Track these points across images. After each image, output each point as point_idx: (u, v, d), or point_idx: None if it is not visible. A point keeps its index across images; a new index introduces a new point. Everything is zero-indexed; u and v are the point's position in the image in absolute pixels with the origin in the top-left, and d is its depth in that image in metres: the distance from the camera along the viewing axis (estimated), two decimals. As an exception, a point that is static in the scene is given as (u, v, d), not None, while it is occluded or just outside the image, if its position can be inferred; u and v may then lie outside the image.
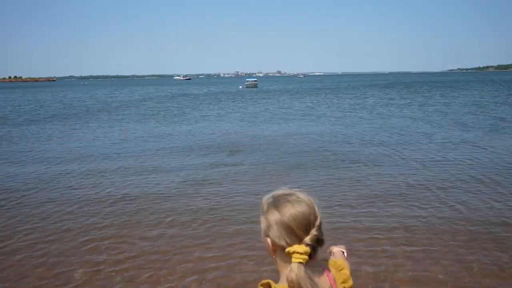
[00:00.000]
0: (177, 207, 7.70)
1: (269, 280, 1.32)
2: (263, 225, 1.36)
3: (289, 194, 1.36)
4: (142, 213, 7.40)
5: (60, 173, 10.68)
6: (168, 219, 7.04)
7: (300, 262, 1.26)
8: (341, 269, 1.44)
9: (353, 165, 10.84)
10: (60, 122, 23.89)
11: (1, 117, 27.45)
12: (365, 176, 9.63)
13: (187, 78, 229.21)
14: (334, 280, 1.40)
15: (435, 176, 9.44)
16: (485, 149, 12.51)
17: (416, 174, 9.68)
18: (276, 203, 1.34)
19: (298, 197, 1.34)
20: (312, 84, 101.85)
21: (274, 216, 1.32)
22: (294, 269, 1.26)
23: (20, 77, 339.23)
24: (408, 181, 9.04)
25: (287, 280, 1.27)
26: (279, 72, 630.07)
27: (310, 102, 36.60)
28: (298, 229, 1.29)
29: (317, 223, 1.32)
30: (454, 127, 17.72)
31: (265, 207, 1.37)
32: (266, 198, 1.38)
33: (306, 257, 1.27)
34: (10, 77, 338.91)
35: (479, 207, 7.22)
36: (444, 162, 10.84)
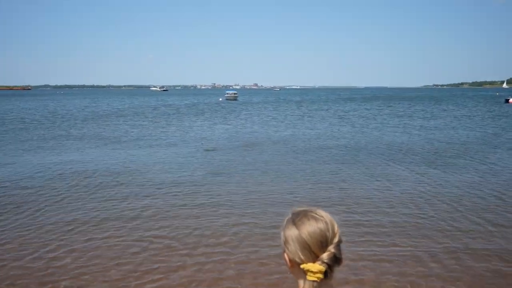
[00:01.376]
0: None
1: None
2: (281, 240, 1.38)
3: (308, 211, 1.36)
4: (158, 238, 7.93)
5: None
6: (193, 240, 7.54)
7: (314, 281, 1.27)
8: None
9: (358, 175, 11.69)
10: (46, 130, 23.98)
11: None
12: (371, 187, 10.48)
13: (164, 89, 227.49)
14: None
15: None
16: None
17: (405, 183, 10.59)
18: (295, 219, 1.35)
19: (317, 214, 1.34)
20: (292, 96, 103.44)
21: (291, 231, 1.33)
22: (307, 287, 1.29)
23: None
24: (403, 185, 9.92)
25: None
26: (256, 84, 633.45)
27: (296, 115, 37.65)
28: (314, 246, 1.29)
29: (336, 240, 1.31)
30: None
31: (284, 222, 1.38)
32: (288, 215, 1.40)
33: (320, 275, 1.27)
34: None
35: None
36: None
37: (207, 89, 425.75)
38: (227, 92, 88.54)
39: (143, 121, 31.20)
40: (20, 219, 7.74)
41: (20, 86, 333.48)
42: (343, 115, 36.65)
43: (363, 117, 33.93)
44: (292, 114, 38.77)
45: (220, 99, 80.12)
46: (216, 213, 8.13)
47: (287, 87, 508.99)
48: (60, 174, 11.71)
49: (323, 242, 1.28)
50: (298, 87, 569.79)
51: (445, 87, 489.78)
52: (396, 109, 44.54)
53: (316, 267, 1.25)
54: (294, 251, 1.30)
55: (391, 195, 9.23)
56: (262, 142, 18.25)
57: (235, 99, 77.71)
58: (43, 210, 8.26)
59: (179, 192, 9.73)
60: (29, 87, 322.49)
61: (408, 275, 5.45)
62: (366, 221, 7.54)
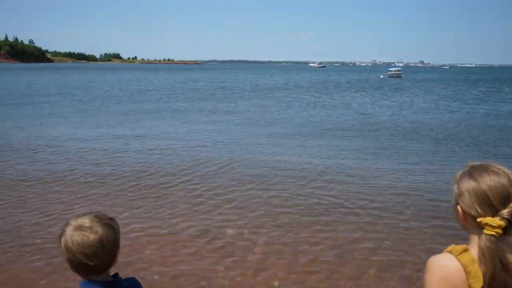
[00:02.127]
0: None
1: (465, 246, 1.30)
2: (454, 193, 1.36)
3: (488, 165, 1.33)
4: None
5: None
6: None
7: (492, 235, 1.23)
8: None
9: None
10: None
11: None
12: None
13: (322, 65, 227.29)
14: None
15: None
16: None
17: None
18: (472, 172, 1.32)
19: (496, 168, 1.30)
20: (466, 75, 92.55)
21: (467, 184, 1.31)
22: (484, 240, 1.24)
23: (172, 60, 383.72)
24: None
25: (478, 249, 1.26)
26: (421, 62, 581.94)
27: (471, 94, 33.61)
28: (495, 200, 1.25)
29: None
30: None
31: (458, 175, 1.37)
32: (462, 168, 1.38)
33: (499, 230, 1.23)
34: (164, 59, 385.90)
35: None
36: None
37: (367, 66, 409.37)
38: (389, 69, 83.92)
39: (305, 94, 31.88)
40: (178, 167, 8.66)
41: (192, 61, 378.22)
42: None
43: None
44: (466, 92, 34.69)
45: (382, 76, 76.45)
46: (379, 179, 7.80)
47: (459, 65, 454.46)
48: (230, 140, 12.77)
49: (505, 197, 1.24)
50: (473, 65, 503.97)
51: None
52: None
53: (496, 222, 1.22)
54: (470, 204, 1.28)
55: None
56: (431, 122, 16.71)
57: (398, 76, 73.12)
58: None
59: (344, 157, 9.64)
60: (199, 62, 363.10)
61: None
62: None
